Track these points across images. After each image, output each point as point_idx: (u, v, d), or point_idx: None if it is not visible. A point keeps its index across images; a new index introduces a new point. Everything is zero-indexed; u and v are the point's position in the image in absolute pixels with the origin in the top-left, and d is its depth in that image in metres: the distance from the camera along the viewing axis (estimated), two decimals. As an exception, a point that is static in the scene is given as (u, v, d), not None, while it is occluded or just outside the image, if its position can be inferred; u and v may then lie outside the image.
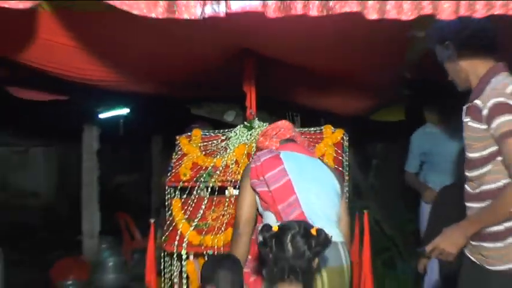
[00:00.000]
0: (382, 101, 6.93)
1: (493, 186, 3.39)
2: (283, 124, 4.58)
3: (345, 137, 5.08)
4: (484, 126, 3.34)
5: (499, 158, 3.33)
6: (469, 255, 3.54)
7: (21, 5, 2.70)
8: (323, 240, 3.12)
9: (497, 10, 2.56)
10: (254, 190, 4.15)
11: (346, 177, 5.00)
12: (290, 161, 4.17)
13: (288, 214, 3.93)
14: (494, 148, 3.34)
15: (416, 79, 6.09)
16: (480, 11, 2.56)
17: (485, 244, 3.45)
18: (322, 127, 5.16)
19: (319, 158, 4.84)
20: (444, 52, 3.70)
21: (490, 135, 3.32)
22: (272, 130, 4.51)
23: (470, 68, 3.60)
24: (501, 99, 3.28)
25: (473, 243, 3.49)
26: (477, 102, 3.40)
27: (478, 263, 3.51)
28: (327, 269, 3.79)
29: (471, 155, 3.50)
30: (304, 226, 3.17)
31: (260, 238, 3.19)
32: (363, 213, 5.08)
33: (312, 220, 3.48)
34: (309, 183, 4.15)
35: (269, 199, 4.05)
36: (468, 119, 3.47)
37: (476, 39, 3.54)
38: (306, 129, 5.22)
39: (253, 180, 4.12)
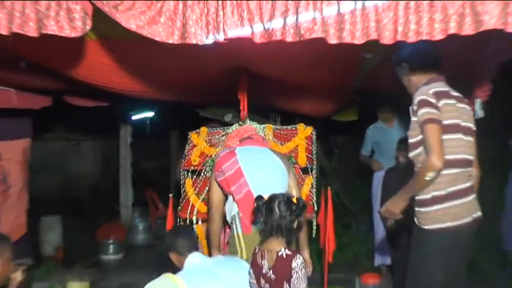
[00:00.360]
0: (340, 105, 6.94)
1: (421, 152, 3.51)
2: (245, 127, 4.81)
3: (313, 133, 5.08)
4: (415, 119, 3.47)
5: None
6: (414, 218, 3.61)
7: (72, 34, 2.68)
8: (301, 206, 3.33)
9: (425, 37, 2.53)
10: (216, 181, 4.24)
11: (314, 162, 4.98)
12: (243, 153, 4.27)
13: (239, 193, 4.10)
14: (422, 136, 3.43)
15: (365, 89, 6.07)
16: (412, 37, 2.54)
17: (419, 209, 3.55)
18: (296, 125, 5.16)
19: (293, 149, 4.91)
20: (401, 71, 3.82)
21: (418, 125, 3.43)
22: (235, 133, 4.73)
23: (417, 81, 3.70)
24: (423, 97, 3.44)
25: (415, 208, 3.57)
26: (414, 102, 3.53)
27: (417, 223, 3.57)
28: None
29: (410, 140, 3.58)
30: (287, 196, 3.35)
31: (254, 205, 3.39)
32: (327, 189, 5.06)
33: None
34: (257, 167, 4.22)
35: (225, 184, 4.17)
36: (411, 115, 3.56)
37: (422, 59, 3.67)
38: (285, 126, 5.22)
39: (216, 173, 4.23)
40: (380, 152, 7.09)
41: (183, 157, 5.14)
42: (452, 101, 3.53)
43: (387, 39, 2.55)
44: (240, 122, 5.06)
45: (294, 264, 3.23)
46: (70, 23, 2.69)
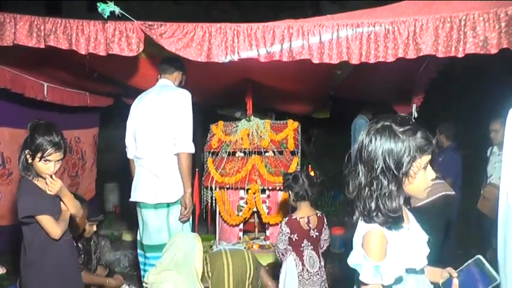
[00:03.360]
0: (318, 107, 6.91)
1: None
2: None
3: (299, 126, 5.03)
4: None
5: None
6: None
7: (130, 54, 2.69)
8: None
9: (381, 59, 2.54)
10: None
11: (299, 147, 4.93)
12: None
13: None
14: None
15: (335, 95, 6.05)
16: (372, 59, 2.55)
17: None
18: (286, 120, 5.09)
19: (284, 137, 4.89)
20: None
21: None
22: None
23: None
24: None
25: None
26: None
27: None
28: None
29: None
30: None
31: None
32: (307, 166, 5.04)
33: None
34: None
35: None
36: None
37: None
38: (278, 121, 5.15)
39: None
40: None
41: (206, 142, 5.10)
42: None
43: (355, 60, 2.57)
44: (247, 118, 5.04)
45: (325, 221, 3.19)
46: (128, 46, 2.71)
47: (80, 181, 6.33)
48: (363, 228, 1.65)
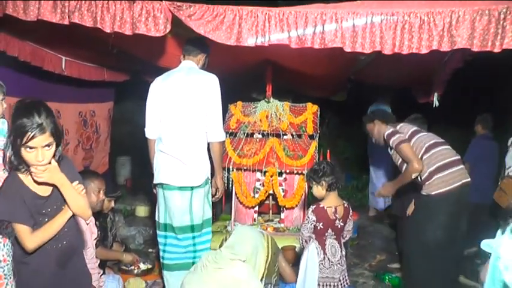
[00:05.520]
0: (337, 90, 6.84)
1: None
2: None
3: (318, 110, 4.98)
4: (391, 150, 3.75)
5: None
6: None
7: (157, 34, 2.66)
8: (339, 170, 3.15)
9: (414, 50, 2.49)
10: None
11: (318, 131, 4.90)
12: None
13: None
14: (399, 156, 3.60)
15: (355, 80, 5.98)
16: (405, 50, 2.50)
17: (424, 184, 3.52)
18: (306, 103, 5.03)
19: (303, 121, 4.86)
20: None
21: (394, 151, 3.65)
22: None
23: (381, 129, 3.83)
24: (388, 131, 3.68)
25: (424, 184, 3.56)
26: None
27: (424, 192, 3.55)
28: None
29: (397, 163, 3.71)
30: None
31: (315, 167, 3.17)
32: (326, 149, 5.04)
33: None
34: None
35: None
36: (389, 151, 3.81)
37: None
38: (298, 104, 5.08)
39: None
40: None
41: (224, 123, 5.06)
42: (420, 134, 3.60)
43: (387, 50, 2.52)
44: (265, 99, 4.99)
45: (351, 212, 3.18)
46: (155, 26, 2.69)
47: (93, 154, 6.35)
48: None
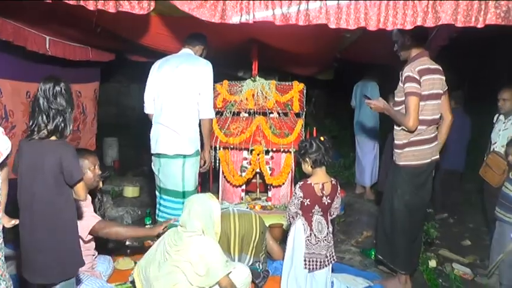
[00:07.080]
0: (323, 69, 6.85)
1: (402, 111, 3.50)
2: None
3: (304, 88, 4.96)
4: (402, 85, 3.49)
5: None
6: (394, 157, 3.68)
7: (140, 12, 2.63)
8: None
9: (399, 26, 2.50)
10: None
11: (304, 109, 4.92)
12: None
13: None
14: (403, 98, 3.46)
15: (341, 58, 5.98)
16: (389, 26, 2.51)
17: (396, 150, 3.63)
18: (292, 82, 5.01)
19: (289, 99, 4.87)
20: (401, 41, 3.62)
21: (403, 91, 3.45)
22: None
23: (408, 52, 3.60)
24: (409, 73, 3.41)
25: (394, 150, 3.66)
26: (403, 71, 3.50)
27: (395, 160, 3.66)
28: None
29: (396, 98, 3.62)
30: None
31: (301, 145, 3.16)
32: (309, 127, 5.02)
33: None
34: None
35: None
36: (400, 80, 3.56)
37: (415, 37, 3.51)
38: (284, 82, 5.06)
39: None
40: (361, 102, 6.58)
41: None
42: (431, 76, 3.45)
43: (372, 26, 2.52)
44: (252, 78, 4.99)
45: (338, 189, 3.17)
46: (139, 4, 2.65)
47: (81, 135, 6.32)
48: None
